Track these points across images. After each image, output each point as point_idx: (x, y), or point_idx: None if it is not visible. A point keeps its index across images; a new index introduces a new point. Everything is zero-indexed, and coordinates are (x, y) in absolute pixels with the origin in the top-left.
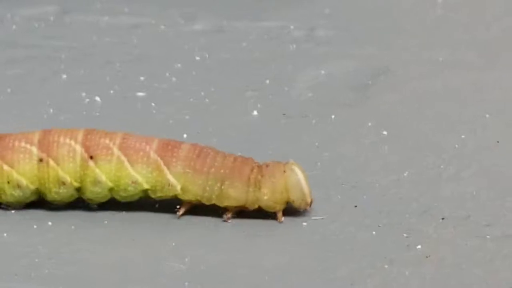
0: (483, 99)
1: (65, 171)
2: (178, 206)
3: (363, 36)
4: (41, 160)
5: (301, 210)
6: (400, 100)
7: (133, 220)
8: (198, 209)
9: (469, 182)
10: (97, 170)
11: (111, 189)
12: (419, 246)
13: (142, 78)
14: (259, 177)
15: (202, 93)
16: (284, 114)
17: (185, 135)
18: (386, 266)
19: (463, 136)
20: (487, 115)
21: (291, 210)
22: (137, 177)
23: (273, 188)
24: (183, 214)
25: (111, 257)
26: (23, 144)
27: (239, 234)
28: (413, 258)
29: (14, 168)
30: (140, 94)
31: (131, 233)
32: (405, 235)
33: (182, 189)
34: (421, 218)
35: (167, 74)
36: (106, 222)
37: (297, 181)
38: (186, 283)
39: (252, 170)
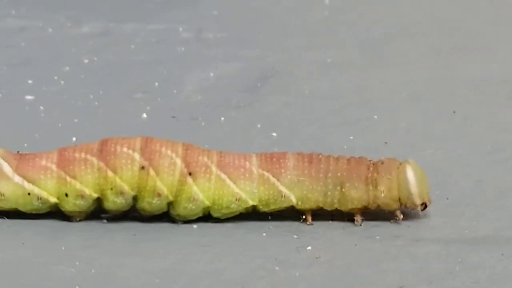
0: (371, 100)
1: (163, 183)
2: (303, 216)
3: (252, 38)
4: (143, 167)
5: (413, 210)
6: (289, 101)
7: (22, 224)
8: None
9: None
10: (194, 188)
11: (208, 208)
12: (309, 248)
13: (30, 81)
14: (375, 174)
15: (91, 96)
16: (173, 117)
17: (74, 139)
18: (276, 268)
19: (351, 137)
20: (375, 116)
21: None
22: (241, 194)
23: (389, 185)
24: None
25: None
26: (125, 149)
27: (129, 237)
28: (303, 260)
29: (117, 174)
30: (28, 97)
31: (20, 237)
32: (295, 236)
33: (300, 199)
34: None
35: (55, 77)
36: None
37: (405, 179)
38: (77, 287)
39: (368, 169)
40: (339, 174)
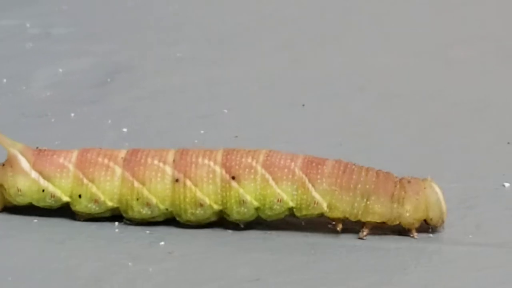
0: (221, 94)
1: (204, 193)
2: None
3: (101, 33)
4: (177, 180)
5: (436, 227)
6: (139, 96)
7: None
8: None
9: None
10: (241, 190)
11: (257, 209)
12: (162, 243)
13: None
14: (403, 193)
15: None
16: (22, 114)
17: None
18: (130, 263)
19: (202, 132)
20: (225, 110)
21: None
22: (282, 195)
23: (416, 205)
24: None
25: None
26: (156, 162)
27: None
28: (156, 255)
29: (145, 186)
30: None
31: None
32: (148, 231)
33: (328, 206)
34: None
35: None
36: None
37: (437, 199)
38: None
39: (395, 186)
40: (367, 186)
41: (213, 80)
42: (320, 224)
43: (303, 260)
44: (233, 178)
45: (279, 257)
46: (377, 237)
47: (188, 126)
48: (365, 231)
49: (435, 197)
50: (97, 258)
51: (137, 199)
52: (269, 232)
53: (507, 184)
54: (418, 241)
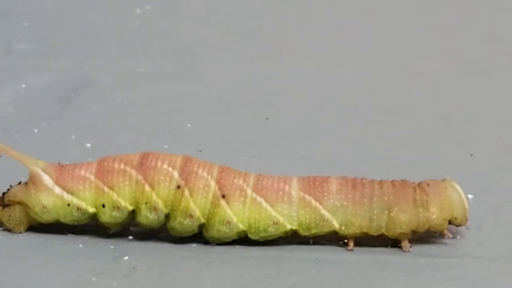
0: (184, 108)
1: (196, 204)
2: (345, 240)
3: (64, 48)
4: (178, 187)
5: (460, 226)
6: (103, 111)
7: None
8: None
9: None
10: (228, 211)
11: (241, 232)
12: (126, 258)
13: None
14: (425, 196)
15: None
16: None
17: None
18: (93, 279)
19: (166, 146)
20: (189, 124)
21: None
22: (279, 217)
23: (441, 206)
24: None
25: None
26: (165, 166)
27: None
28: (120, 270)
29: (154, 190)
30: None
31: None
32: (112, 246)
33: (343, 223)
34: (124, 229)
35: None
36: None
37: (460, 197)
38: None
39: (415, 191)
40: (386, 198)
41: (176, 94)
42: (281, 237)
43: (265, 274)
44: (223, 196)
45: (242, 271)
46: (339, 249)
47: (151, 140)
48: (406, 245)
49: (457, 195)
50: (60, 273)
51: (146, 203)
52: (231, 246)
53: (470, 196)
54: (381, 253)
